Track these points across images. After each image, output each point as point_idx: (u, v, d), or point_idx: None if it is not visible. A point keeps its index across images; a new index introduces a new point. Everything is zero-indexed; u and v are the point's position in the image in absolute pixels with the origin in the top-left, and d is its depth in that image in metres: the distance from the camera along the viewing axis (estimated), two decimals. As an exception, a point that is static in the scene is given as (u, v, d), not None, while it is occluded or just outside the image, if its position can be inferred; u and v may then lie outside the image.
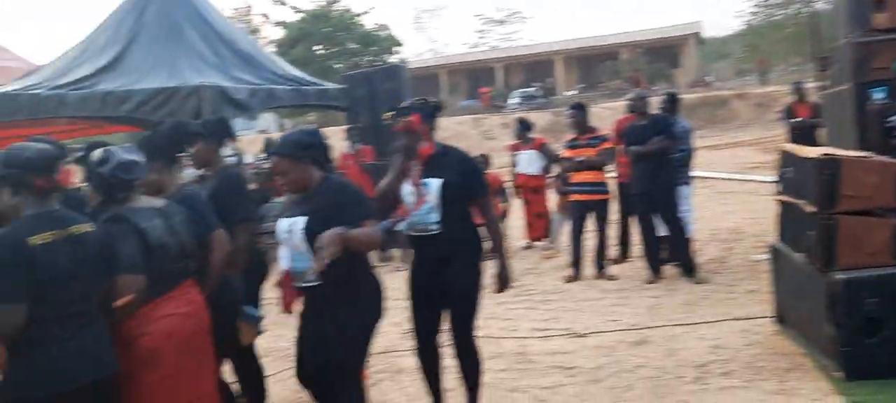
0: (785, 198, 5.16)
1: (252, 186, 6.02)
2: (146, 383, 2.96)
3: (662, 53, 44.74)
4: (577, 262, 7.73)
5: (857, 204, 4.40)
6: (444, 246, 3.89)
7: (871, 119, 5.89)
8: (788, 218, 5.16)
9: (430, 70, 45.70)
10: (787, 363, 4.69)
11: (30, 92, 10.17)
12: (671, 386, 4.52)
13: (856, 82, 6.58)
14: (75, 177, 3.44)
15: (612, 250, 8.35)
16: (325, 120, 34.11)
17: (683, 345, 5.26)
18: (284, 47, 40.69)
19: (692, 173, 8.15)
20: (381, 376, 5.11)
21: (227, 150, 4.97)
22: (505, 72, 46.63)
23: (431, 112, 3.90)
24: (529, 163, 9.60)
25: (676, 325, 5.72)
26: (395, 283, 8.26)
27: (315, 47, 42.86)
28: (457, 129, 31.09)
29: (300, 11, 43.62)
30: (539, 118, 24.13)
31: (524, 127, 10.02)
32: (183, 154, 3.91)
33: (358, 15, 43.57)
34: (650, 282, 7.23)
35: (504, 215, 9.82)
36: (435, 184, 3.81)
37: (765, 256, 6.07)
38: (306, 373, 3.58)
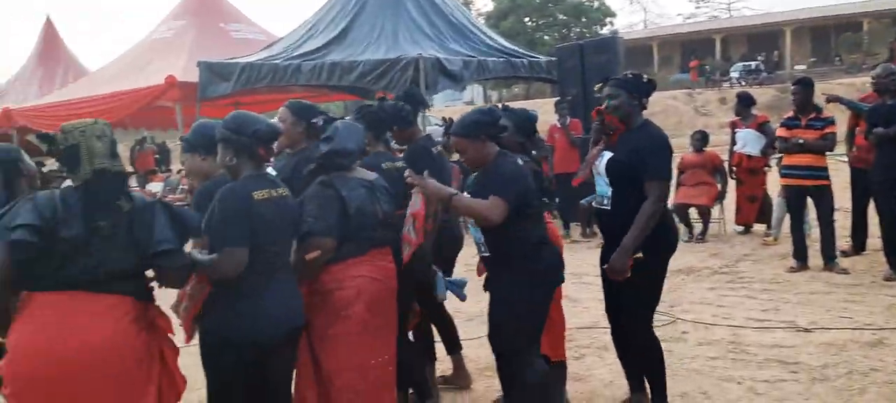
0: None
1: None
2: (335, 334, 3.20)
3: (914, 23, 39.54)
4: (799, 252, 7.12)
5: None
6: (613, 225, 3.69)
7: None
8: None
9: (643, 42, 43.95)
10: None
11: (270, 62, 11.28)
12: (912, 396, 4.05)
13: None
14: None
15: (843, 241, 7.60)
16: (533, 92, 34.21)
17: (928, 352, 4.69)
18: (494, 19, 41.23)
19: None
20: (585, 351, 5.08)
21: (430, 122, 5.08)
22: (723, 44, 43.71)
23: (637, 88, 3.70)
24: (748, 142, 8.92)
25: (921, 329, 5.10)
26: (595, 259, 8.20)
27: (525, 19, 43.02)
28: (668, 104, 29.77)
29: (511, -17, 43.94)
30: (761, 94, 22.36)
31: (745, 103, 9.30)
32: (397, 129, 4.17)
33: (569, -15, 43.07)
34: (890, 279, 6.47)
35: (721, 196, 9.28)
36: (604, 158, 3.70)
37: None
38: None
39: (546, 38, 40.73)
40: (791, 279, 6.86)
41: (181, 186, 13.68)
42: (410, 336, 4.05)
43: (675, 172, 9.50)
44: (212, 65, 11.72)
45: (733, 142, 9.11)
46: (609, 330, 5.43)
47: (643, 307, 3.75)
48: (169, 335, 2.73)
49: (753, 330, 5.40)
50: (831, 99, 7.85)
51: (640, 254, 3.54)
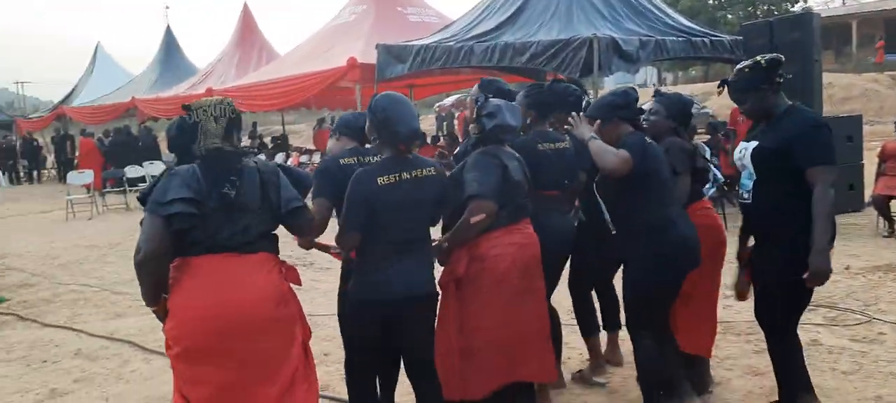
0: None
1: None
2: (490, 298, 3.38)
3: None
4: None
5: None
6: (754, 219, 3.44)
7: None
8: None
9: (840, 19, 40.13)
10: None
11: (444, 44, 11.51)
12: None
13: None
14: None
15: None
16: (712, 74, 32.42)
17: None
18: (674, -2, 39.41)
19: None
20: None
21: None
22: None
23: (765, 71, 3.36)
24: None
25: None
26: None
27: (706, -4, 40.74)
28: (868, 88, 27.05)
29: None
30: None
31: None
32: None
33: (757, -40, 40.17)
34: None
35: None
36: (750, 147, 3.37)
37: None
38: None
39: (729, 16, 38.33)
40: None
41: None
42: None
43: (875, 161, 8.73)
44: (389, 47, 12.16)
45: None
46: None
47: (784, 310, 3.42)
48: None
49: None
50: None
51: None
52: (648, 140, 3.51)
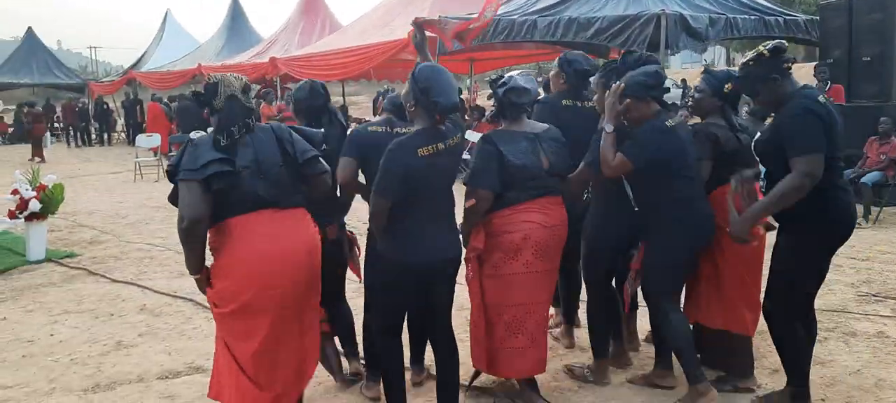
0: None
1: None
2: (503, 274, 3.50)
3: None
4: None
5: None
6: None
7: None
8: None
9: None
10: None
11: (507, 18, 11.37)
12: None
13: None
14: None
15: None
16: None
17: None
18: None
19: None
20: (829, 334, 4.62)
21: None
22: None
23: (771, 60, 3.23)
24: None
25: None
26: (847, 240, 7.40)
27: (781, -25, 39.16)
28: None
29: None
30: None
31: None
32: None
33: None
34: None
35: None
36: (755, 137, 3.39)
37: None
38: None
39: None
40: None
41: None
42: None
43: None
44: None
45: None
46: (857, 316, 4.96)
47: (784, 289, 3.40)
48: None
49: None
50: None
51: (773, 224, 3.33)
52: (670, 123, 3.49)
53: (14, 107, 27.77)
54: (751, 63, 3.34)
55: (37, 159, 17.98)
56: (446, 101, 3.13)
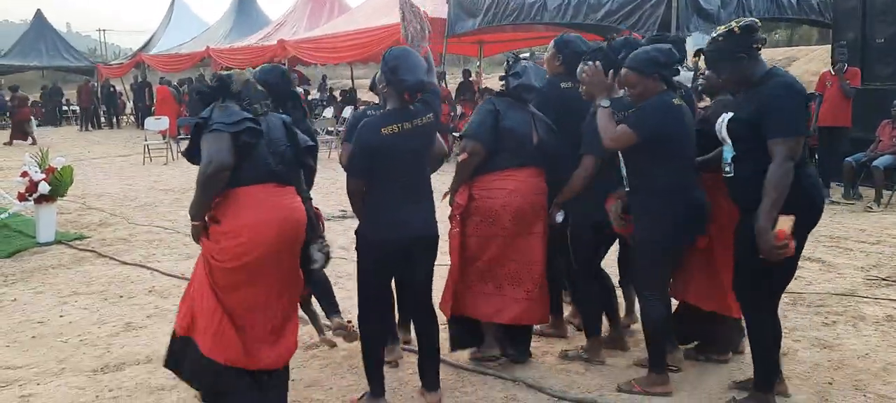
0: None
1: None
2: (477, 232, 3.75)
3: None
4: None
5: None
6: (734, 193, 3.30)
7: None
8: None
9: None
10: None
11: (517, -1, 11.31)
12: None
13: None
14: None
15: None
16: (797, 38, 31.03)
17: None
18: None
19: None
20: (837, 318, 4.59)
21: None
22: None
23: (740, 37, 3.12)
24: None
25: None
26: (857, 223, 7.37)
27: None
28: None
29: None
30: None
31: None
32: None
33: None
34: None
35: None
36: (725, 119, 3.23)
37: None
38: None
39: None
40: None
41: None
42: None
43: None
44: (460, 1, 12.04)
45: None
46: (867, 300, 4.94)
47: (752, 278, 3.25)
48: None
49: None
50: None
51: (789, 223, 3.02)
52: (677, 102, 3.41)
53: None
54: (719, 38, 3.21)
55: (28, 141, 18.19)
56: (412, 79, 3.30)
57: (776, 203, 3.01)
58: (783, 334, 4.28)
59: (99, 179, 11.94)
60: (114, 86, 26.52)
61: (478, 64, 20.10)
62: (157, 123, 15.58)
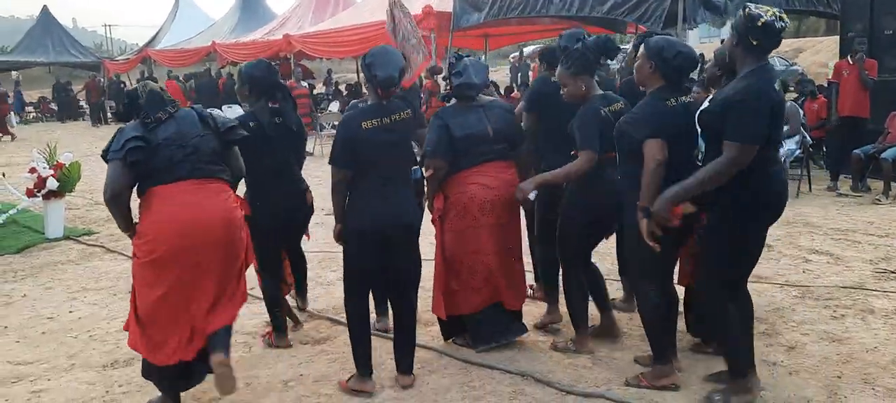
0: None
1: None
2: (456, 228, 3.97)
3: None
4: None
5: None
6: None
7: None
8: None
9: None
10: None
11: (522, -8, 11.28)
12: None
13: None
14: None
15: None
16: (804, 29, 30.89)
17: None
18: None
19: None
20: (846, 311, 4.58)
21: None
22: None
23: (753, 28, 3.02)
24: None
25: None
26: (866, 216, 7.34)
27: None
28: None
29: None
30: None
31: None
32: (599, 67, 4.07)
33: None
34: None
35: None
36: (700, 108, 3.27)
37: None
38: None
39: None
40: None
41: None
42: None
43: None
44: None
45: None
46: (876, 293, 4.92)
47: (714, 269, 3.28)
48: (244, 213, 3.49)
49: None
50: None
51: (691, 208, 3.19)
52: (672, 103, 3.34)
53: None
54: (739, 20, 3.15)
55: (7, 138, 18.40)
56: (382, 75, 3.48)
57: (688, 192, 3.13)
58: (792, 328, 4.31)
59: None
60: (124, 82, 26.55)
61: (484, 57, 20.05)
62: (164, 118, 15.55)
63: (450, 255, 4.01)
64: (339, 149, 3.51)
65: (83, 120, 26.07)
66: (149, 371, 3.41)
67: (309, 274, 4.81)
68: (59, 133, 19.87)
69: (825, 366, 3.79)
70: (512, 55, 30.24)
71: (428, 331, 4.36)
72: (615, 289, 4.71)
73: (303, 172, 4.32)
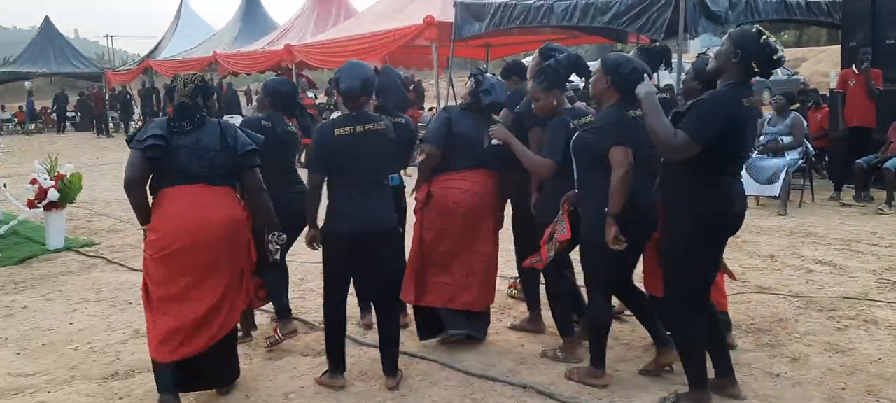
0: None
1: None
2: (434, 226, 4.18)
3: None
4: None
5: None
6: (664, 191, 3.42)
7: None
8: None
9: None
10: None
11: (523, 2, 11.26)
12: None
13: None
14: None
15: None
16: (805, 39, 30.94)
17: None
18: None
19: None
20: (850, 322, 4.55)
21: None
22: None
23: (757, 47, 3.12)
24: None
25: None
26: (869, 226, 7.33)
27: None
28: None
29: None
30: None
31: None
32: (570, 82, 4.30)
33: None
34: None
35: None
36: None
37: None
38: None
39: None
40: None
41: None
42: None
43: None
44: (467, 5, 12.02)
45: None
46: (880, 303, 4.89)
47: (675, 282, 3.36)
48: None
49: None
50: None
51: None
52: (631, 115, 3.47)
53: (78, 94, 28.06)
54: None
55: None
56: (344, 86, 3.71)
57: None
58: (795, 339, 4.28)
59: (107, 186, 11.97)
60: (130, 93, 26.59)
61: (485, 67, 20.07)
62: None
63: (426, 248, 4.21)
64: (313, 154, 3.73)
65: (72, 131, 26.05)
66: (155, 371, 3.55)
67: (310, 285, 4.79)
68: (59, 144, 19.87)
69: (829, 378, 3.77)
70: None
71: (427, 343, 4.34)
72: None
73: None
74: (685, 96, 3.98)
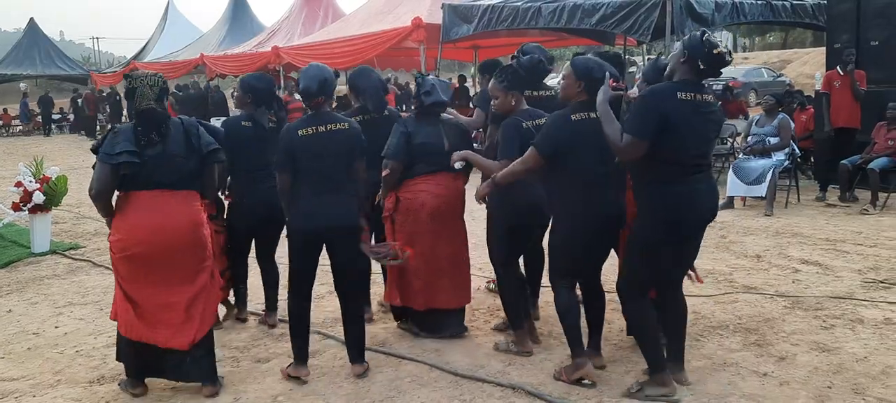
0: None
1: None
2: (404, 229, 4.30)
3: None
4: None
5: None
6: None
7: None
8: None
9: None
10: None
11: (511, 4, 11.29)
12: None
13: None
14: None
15: None
16: (791, 41, 31.19)
17: None
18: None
19: None
20: (836, 321, 4.58)
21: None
22: None
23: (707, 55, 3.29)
24: None
25: None
26: (854, 226, 7.39)
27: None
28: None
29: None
30: None
31: None
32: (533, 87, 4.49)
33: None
34: None
35: None
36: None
37: None
38: None
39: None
40: None
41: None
42: None
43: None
44: (455, 7, 12.03)
45: None
46: (865, 303, 4.93)
47: (626, 270, 3.65)
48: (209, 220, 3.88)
49: None
50: None
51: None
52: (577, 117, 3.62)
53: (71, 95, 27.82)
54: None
55: None
56: (302, 86, 3.85)
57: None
58: (781, 339, 4.31)
59: (94, 188, 11.86)
60: (119, 94, 26.39)
61: (473, 69, 20.09)
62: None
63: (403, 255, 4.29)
64: (280, 154, 3.83)
65: (63, 133, 25.83)
66: (119, 353, 3.78)
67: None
68: (45, 147, 19.71)
69: (815, 376, 3.79)
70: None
71: (416, 344, 4.34)
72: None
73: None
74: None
